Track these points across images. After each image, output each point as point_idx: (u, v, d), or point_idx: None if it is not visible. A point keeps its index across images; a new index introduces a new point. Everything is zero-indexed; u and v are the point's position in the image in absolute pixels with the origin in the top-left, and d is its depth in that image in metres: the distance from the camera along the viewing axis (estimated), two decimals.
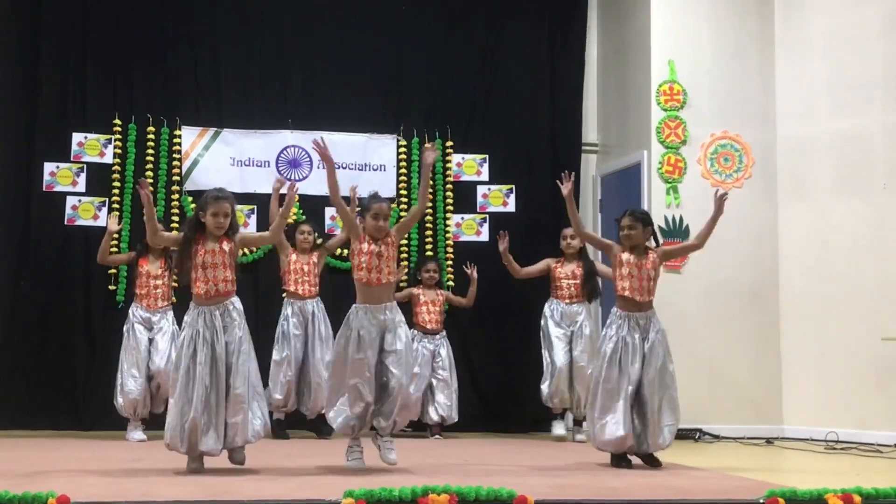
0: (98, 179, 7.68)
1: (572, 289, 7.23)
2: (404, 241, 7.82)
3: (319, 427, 7.12)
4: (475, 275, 7.54)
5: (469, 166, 8.27)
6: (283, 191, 6.53)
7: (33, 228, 7.63)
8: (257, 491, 4.06)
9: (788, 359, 7.71)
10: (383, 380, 4.97)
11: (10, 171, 7.65)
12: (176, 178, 7.80)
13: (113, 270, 7.50)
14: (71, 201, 7.63)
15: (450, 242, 8.12)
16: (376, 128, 8.16)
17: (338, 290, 7.19)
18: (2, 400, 7.31)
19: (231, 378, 4.76)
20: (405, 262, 7.88)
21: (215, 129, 7.93)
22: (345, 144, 8.02)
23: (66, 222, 7.61)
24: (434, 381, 7.37)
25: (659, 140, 7.75)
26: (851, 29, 7.61)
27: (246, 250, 7.45)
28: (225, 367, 4.76)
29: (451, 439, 7.28)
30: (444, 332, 7.51)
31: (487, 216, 8.20)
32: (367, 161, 8.10)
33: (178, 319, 6.47)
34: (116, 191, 7.68)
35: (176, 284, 6.76)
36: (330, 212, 7.81)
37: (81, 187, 7.68)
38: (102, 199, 7.67)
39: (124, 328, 6.82)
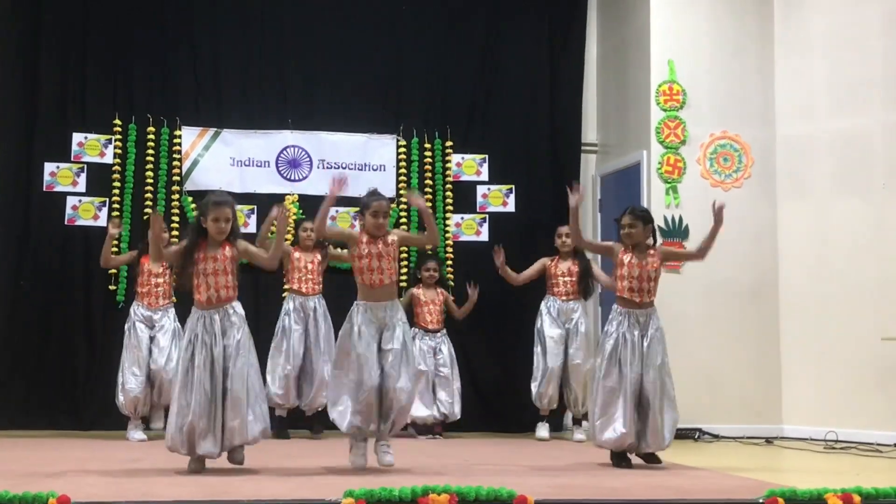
0: (98, 179, 7.68)
1: (568, 286, 7.28)
2: None
3: (313, 424, 7.15)
4: (475, 296, 7.52)
5: (469, 166, 8.27)
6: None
7: (33, 228, 7.63)
8: (257, 491, 4.06)
9: (788, 358, 7.71)
10: (381, 380, 4.94)
11: (10, 171, 7.65)
12: (176, 178, 7.80)
13: (113, 270, 7.50)
14: (71, 201, 7.63)
15: (449, 242, 8.11)
16: (376, 128, 8.16)
17: (339, 289, 7.19)
18: (2, 400, 7.32)
19: (228, 381, 4.75)
20: (405, 262, 7.89)
21: (215, 129, 7.93)
22: (345, 144, 8.04)
23: (66, 222, 7.61)
24: (435, 379, 7.38)
25: (658, 140, 7.75)
26: (851, 28, 7.60)
27: None
28: (222, 370, 4.76)
29: (452, 439, 7.28)
30: (444, 330, 7.52)
31: (487, 216, 8.20)
32: (366, 161, 8.10)
33: (180, 317, 6.49)
34: (116, 191, 7.69)
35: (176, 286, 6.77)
36: (329, 212, 7.77)
37: (81, 187, 7.68)
38: (103, 199, 7.67)
39: (125, 326, 6.83)
